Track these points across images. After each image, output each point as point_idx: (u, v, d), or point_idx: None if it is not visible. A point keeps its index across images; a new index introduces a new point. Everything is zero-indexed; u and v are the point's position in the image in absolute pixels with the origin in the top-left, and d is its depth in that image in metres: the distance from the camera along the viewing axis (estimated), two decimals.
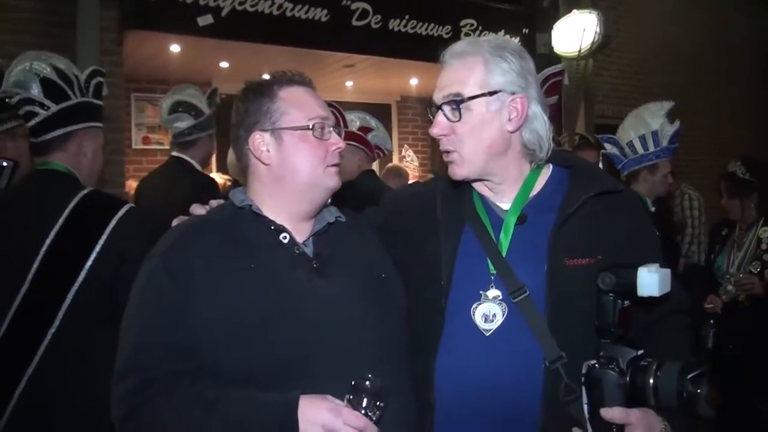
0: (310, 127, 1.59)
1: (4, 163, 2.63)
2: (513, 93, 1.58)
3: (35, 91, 2.30)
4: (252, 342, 1.44)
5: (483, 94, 1.57)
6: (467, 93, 1.57)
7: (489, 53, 1.59)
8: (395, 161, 7.89)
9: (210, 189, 3.36)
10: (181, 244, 1.53)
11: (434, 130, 1.62)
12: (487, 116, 1.58)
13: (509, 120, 1.58)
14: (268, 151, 1.60)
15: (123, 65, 5.22)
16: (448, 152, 1.63)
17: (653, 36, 7.97)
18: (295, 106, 1.60)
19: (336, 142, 1.63)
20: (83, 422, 2.09)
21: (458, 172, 1.62)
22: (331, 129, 1.63)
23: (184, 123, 3.49)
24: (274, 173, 1.60)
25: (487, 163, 1.61)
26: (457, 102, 1.57)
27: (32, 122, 2.32)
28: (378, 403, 1.37)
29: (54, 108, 2.31)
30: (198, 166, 3.54)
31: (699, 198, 5.83)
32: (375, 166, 4.02)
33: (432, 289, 1.58)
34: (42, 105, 2.30)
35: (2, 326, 2.13)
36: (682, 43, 8.42)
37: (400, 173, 5.72)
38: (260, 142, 1.60)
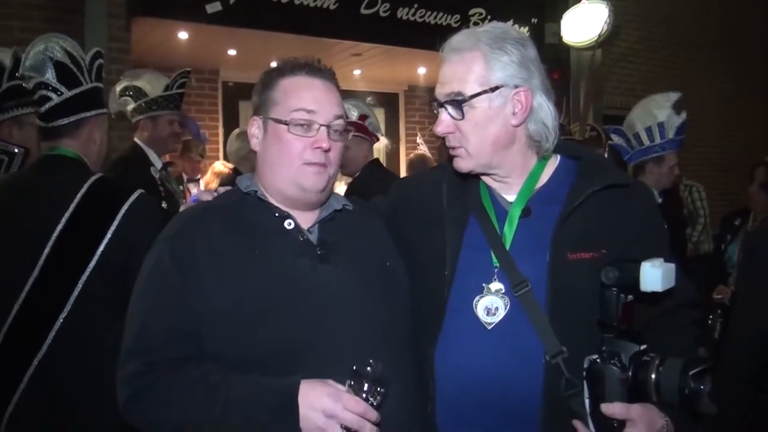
0: (286, 121, 1.55)
1: (15, 150, 2.66)
2: (516, 86, 1.55)
3: (49, 74, 2.31)
4: (255, 327, 1.45)
5: (484, 91, 1.54)
6: (468, 91, 1.54)
7: (488, 46, 1.55)
8: (402, 150, 7.88)
9: (129, 158, 3.54)
10: (186, 230, 1.54)
11: (438, 129, 1.60)
12: (490, 112, 1.55)
13: (513, 114, 1.56)
14: (257, 138, 1.62)
15: (131, 52, 5.20)
16: (453, 147, 1.61)
17: (662, 26, 7.90)
18: (285, 97, 1.58)
19: (320, 140, 1.55)
20: (93, 405, 2.11)
21: (463, 165, 1.61)
22: (320, 125, 1.56)
23: (129, 107, 3.57)
24: (260, 160, 1.63)
25: (493, 157, 1.59)
26: (459, 101, 1.55)
27: (45, 107, 2.32)
28: (379, 388, 1.37)
29: (67, 93, 2.32)
30: (142, 145, 3.54)
31: (703, 189, 5.84)
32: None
33: (436, 279, 1.58)
34: (56, 90, 2.31)
35: (13, 310, 2.14)
36: (692, 32, 8.35)
37: (425, 163, 5.39)
38: (254, 127, 1.63)
